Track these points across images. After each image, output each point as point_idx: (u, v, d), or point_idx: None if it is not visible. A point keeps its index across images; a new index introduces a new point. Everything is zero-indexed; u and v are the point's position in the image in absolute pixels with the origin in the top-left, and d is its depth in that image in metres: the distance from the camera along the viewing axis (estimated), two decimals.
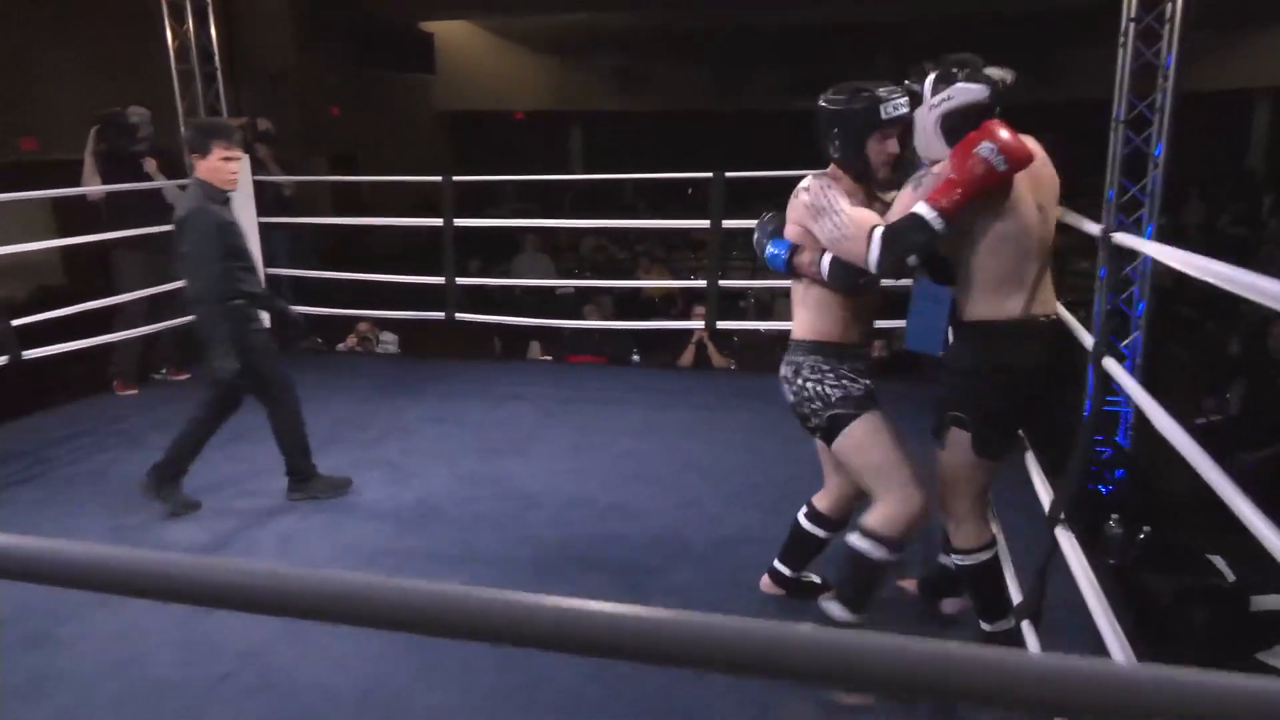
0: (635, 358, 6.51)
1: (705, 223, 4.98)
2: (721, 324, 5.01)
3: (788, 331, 2.42)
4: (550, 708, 2.23)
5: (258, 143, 5.18)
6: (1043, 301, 2.18)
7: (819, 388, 2.29)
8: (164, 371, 5.29)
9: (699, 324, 5.42)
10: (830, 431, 2.30)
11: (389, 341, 6.43)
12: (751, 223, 2.47)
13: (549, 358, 6.57)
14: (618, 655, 0.68)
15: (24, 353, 4.22)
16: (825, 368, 2.30)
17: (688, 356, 5.83)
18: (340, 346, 6.37)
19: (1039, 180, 2.14)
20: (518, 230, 9.70)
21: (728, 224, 4.81)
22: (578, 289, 7.92)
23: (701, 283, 5.38)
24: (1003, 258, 2.11)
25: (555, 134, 16.56)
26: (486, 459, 3.93)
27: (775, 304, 7.65)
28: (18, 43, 7.71)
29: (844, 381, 2.29)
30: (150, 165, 5.01)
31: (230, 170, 3.23)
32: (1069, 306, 3.08)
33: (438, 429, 4.35)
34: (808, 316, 2.35)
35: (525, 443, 4.15)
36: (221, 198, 3.27)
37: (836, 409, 2.28)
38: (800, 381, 2.32)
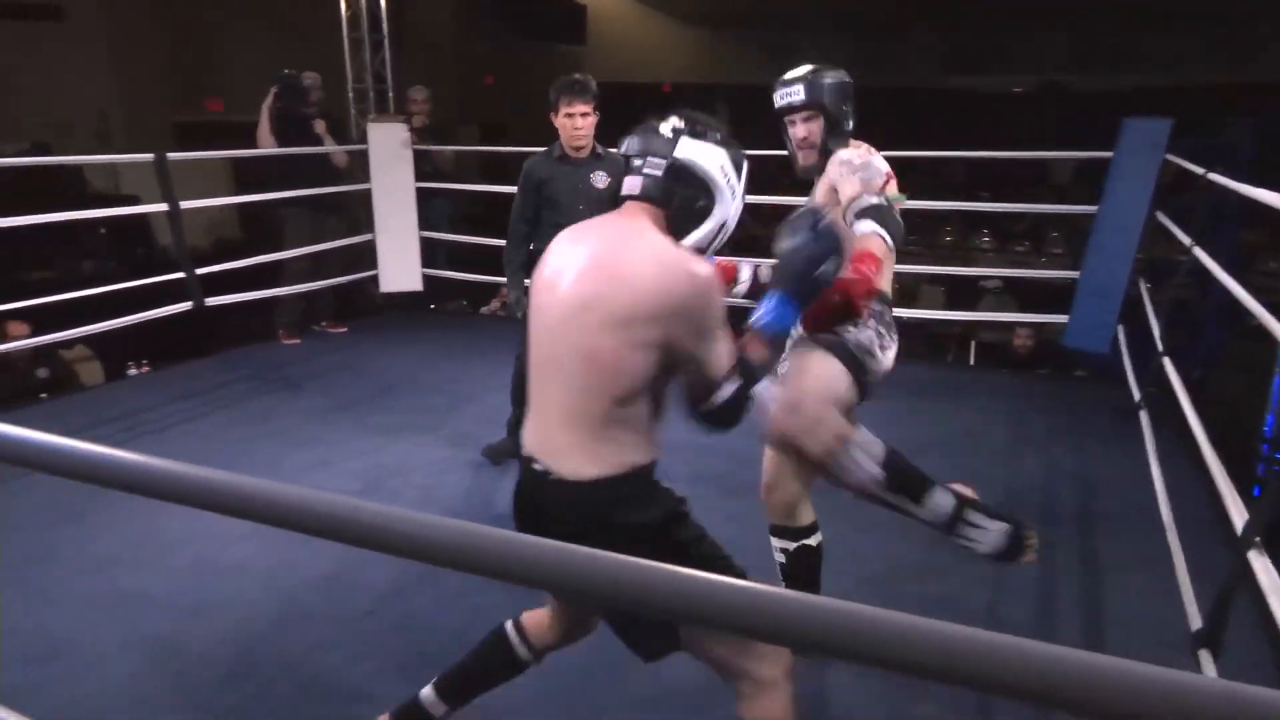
0: None
1: None
2: None
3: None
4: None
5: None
6: (538, 441, 1.58)
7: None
8: (323, 324, 5.63)
9: None
10: None
11: None
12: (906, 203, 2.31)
13: None
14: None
15: (205, 300, 4.60)
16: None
17: None
18: (483, 310, 6.60)
19: (585, 302, 1.52)
20: None
21: None
22: None
23: None
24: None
25: (701, 107, 16.35)
26: None
27: None
28: (207, 7, 8.29)
29: None
30: (320, 127, 5.29)
31: (573, 127, 3.23)
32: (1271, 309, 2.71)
33: None
34: None
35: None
36: (558, 152, 3.32)
37: None
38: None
